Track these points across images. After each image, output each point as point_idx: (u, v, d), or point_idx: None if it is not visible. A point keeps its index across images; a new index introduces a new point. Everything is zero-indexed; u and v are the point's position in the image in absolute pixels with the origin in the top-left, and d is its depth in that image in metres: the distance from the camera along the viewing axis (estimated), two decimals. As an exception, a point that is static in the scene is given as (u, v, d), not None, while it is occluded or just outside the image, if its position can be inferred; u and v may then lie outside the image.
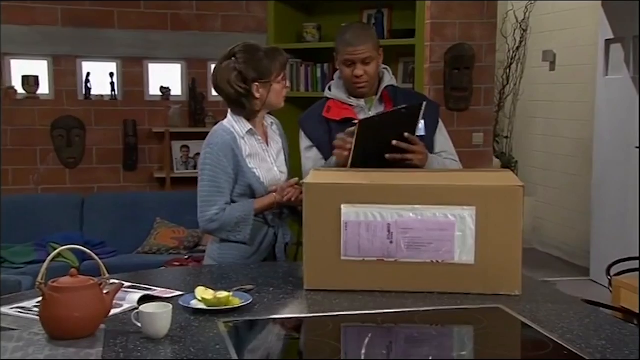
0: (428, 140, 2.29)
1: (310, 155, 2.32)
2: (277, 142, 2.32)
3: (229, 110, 2.26)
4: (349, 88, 2.33)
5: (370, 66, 2.26)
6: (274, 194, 2.20)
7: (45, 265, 1.55)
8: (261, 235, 2.24)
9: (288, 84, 2.27)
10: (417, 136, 2.18)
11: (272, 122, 2.34)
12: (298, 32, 4.64)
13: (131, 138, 4.70)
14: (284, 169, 2.30)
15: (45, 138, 4.57)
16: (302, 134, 2.37)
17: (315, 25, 4.58)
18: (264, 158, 2.24)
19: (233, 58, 2.18)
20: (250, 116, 2.23)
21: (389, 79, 2.35)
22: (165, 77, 4.81)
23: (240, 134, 2.20)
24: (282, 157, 2.32)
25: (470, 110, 4.13)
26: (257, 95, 2.18)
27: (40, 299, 1.54)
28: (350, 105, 2.32)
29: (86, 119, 4.63)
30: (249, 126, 2.22)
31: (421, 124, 2.22)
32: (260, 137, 2.25)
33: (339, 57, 2.30)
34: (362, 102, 2.33)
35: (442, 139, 2.38)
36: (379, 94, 2.33)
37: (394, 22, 4.40)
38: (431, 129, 2.32)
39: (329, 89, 2.39)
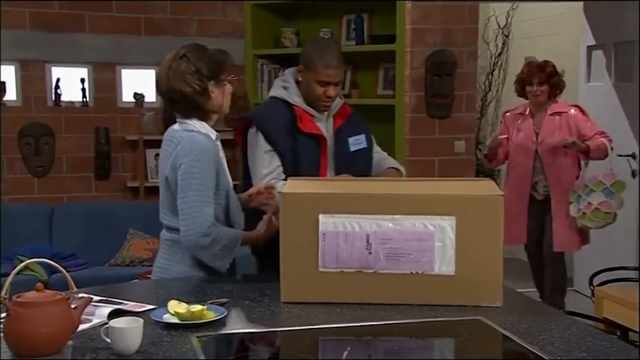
0: (369, 152, 2.49)
1: (267, 159, 2.32)
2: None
3: (182, 117, 2.11)
4: (313, 104, 2.38)
5: (338, 87, 2.38)
6: (259, 229, 2.12)
7: (9, 279, 1.49)
8: None
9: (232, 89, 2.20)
10: (360, 149, 2.43)
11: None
12: (276, 37, 4.60)
13: (103, 146, 4.61)
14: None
15: (12, 146, 4.45)
16: (260, 137, 2.34)
17: (294, 30, 4.55)
18: (223, 161, 2.15)
19: (184, 58, 2.09)
20: (204, 119, 2.13)
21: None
22: (138, 83, 4.73)
23: (213, 137, 2.12)
24: None
25: (451, 117, 4.13)
26: (212, 94, 2.11)
27: (4, 315, 1.48)
28: (313, 117, 2.39)
29: (56, 126, 4.53)
30: (214, 131, 2.14)
31: (362, 137, 2.45)
32: (219, 143, 2.17)
33: (311, 74, 2.33)
34: (319, 113, 2.41)
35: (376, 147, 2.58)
36: (336, 108, 2.44)
37: (374, 27, 4.39)
38: (369, 141, 2.49)
39: (286, 92, 2.38)
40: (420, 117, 4.08)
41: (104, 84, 4.62)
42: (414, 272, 1.81)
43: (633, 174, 4.40)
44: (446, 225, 1.79)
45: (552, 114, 3.83)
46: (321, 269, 1.82)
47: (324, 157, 2.36)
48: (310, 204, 1.82)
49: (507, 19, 6.07)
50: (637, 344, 1.96)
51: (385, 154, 2.60)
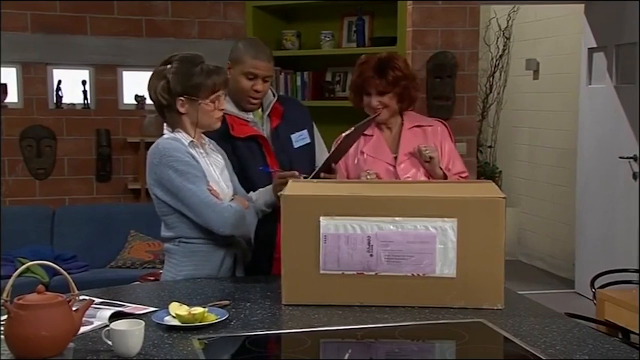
0: (312, 147, 2.45)
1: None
2: (217, 159, 2.22)
3: (165, 126, 2.16)
4: (240, 101, 2.33)
5: (267, 84, 2.34)
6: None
7: (10, 281, 1.49)
8: (218, 259, 2.14)
9: (222, 106, 2.11)
10: (305, 144, 2.41)
11: (208, 142, 2.21)
12: (277, 39, 4.60)
13: (104, 148, 4.61)
14: (230, 184, 2.20)
15: (13, 148, 4.45)
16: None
17: (295, 32, 4.55)
18: (210, 171, 2.14)
19: (169, 65, 2.08)
20: (180, 129, 2.11)
21: (271, 95, 2.40)
22: (139, 85, 4.72)
23: (185, 143, 2.09)
24: (225, 173, 2.21)
25: (453, 119, 4.11)
26: (182, 110, 2.07)
27: (5, 317, 1.48)
28: (246, 121, 2.34)
29: (57, 128, 4.53)
30: (189, 138, 2.11)
31: (305, 132, 2.42)
32: (202, 151, 2.15)
33: (238, 67, 2.29)
34: (251, 116, 2.37)
35: (319, 140, 2.53)
36: (269, 109, 2.38)
37: (375, 29, 4.39)
38: (312, 136, 2.46)
39: None
40: (421, 119, 4.08)
41: (105, 86, 4.63)
42: (415, 274, 1.81)
43: (634, 177, 4.40)
44: (447, 228, 1.79)
45: (411, 127, 2.51)
46: (322, 271, 1.82)
47: (270, 156, 2.32)
48: (311, 206, 1.82)
49: (508, 21, 6.08)
50: (639, 346, 1.96)
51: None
